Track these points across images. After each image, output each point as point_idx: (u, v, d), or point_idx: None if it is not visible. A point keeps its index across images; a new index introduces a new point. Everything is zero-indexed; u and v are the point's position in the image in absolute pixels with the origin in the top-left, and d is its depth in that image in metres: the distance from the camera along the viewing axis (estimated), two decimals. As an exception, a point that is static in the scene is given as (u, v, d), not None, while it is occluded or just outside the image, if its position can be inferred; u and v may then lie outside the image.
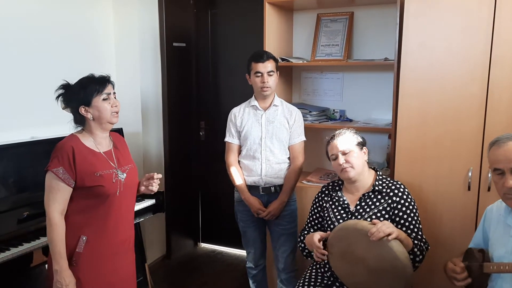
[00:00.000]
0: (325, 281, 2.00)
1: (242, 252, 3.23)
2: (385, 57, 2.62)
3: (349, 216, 1.93)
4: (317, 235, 1.86)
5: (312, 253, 1.94)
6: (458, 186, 2.17)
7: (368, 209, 1.91)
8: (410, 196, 1.92)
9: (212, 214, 3.82)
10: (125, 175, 1.80)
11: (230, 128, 2.48)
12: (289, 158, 2.45)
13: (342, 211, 1.97)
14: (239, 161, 2.49)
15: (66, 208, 1.69)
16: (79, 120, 1.76)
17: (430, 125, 2.19)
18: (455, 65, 2.11)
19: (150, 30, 3.26)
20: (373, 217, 1.87)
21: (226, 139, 2.50)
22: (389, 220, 1.85)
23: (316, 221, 2.09)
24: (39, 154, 2.23)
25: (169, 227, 3.57)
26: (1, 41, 2.39)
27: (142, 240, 3.00)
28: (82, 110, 1.71)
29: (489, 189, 2.10)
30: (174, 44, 3.42)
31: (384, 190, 1.93)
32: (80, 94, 1.71)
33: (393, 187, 1.93)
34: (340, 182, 2.07)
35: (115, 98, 1.78)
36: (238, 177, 2.45)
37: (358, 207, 1.93)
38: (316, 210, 2.10)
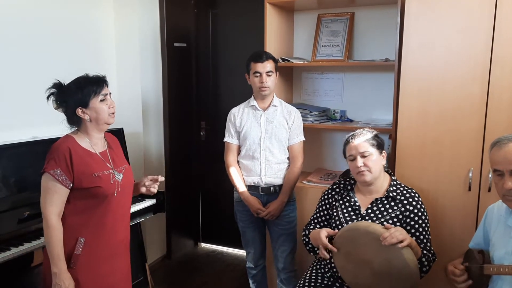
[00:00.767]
0: (325, 282, 2.00)
1: (242, 252, 3.23)
2: (386, 57, 2.62)
3: (359, 218, 1.90)
4: (324, 232, 1.83)
5: (316, 249, 1.92)
6: (458, 187, 2.16)
7: (380, 215, 1.88)
8: (423, 206, 1.89)
9: (212, 214, 3.82)
10: (121, 175, 1.79)
11: (230, 128, 2.48)
12: (288, 158, 2.45)
13: (352, 213, 1.93)
14: (238, 161, 2.49)
15: (63, 210, 1.67)
16: (74, 121, 1.73)
17: (431, 125, 2.18)
18: (455, 65, 2.11)
19: (151, 30, 3.26)
20: (384, 223, 1.82)
21: (225, 139, 2.50)
22: None
23: (323, 218, 2.05)
24: (40, 154, 2.22)
25: (170, 227, 3.58)
26: (1, 41, 2.39)
27: (142, 240, 3.00)
28: (79, 111, 1.69)
29: (489, 190, 2.10)
30: (175, 44, 3.42)
31: (398, 197, 1.89)
32: (77, 95, 1.68)
33: (407, 195, 1.89)
34: (352, 182, 2.02)
35: (111, 98, 1.77)
36: (237, 177, 2.45)
37: (370, 211, 1.90)
38: (324, 207, 2.06)
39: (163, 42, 3.32)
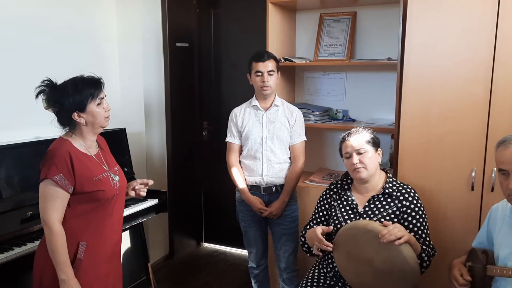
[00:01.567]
0: (327, 282, 1.99)
1: (245, 252, 3.23)
2: (388, 57, 2.62)
3: (357, 217, 1.92)
4: (319, 229, 1.84)
5: (311, 249, 1.92)
6: (461, 186, 2.16)
7: (377, 212, 1.89)
8: (419, 201, 1.90)
9: (214, 214, 3.83)
10: (117, 177, 1.78)
11: (231, 128, 2.48)
12: (290, 158, 2.45)
13: (350, 211, 1.95)
14: (240, 161, 2.49)
15: (64, 215, 1.64)
16: (67, 123, 1.69)
17: (433, 125, 2.18)
18: (458, 65, 2.10)
19: (153, 30, 3.26)
20: (382, 220, 1.84)
21: (227, 139, 2.50)
22: None
23: (322, 218, 2.06)
24: (43, 154, 2.23)
25: (172, 227, 3.58)
26: (4, 41, 2.40)
27: (145, 240, 3.01)
28: (75, 115, 1.65)
29: (492, 189, 2.09)
30: (177, 44, 3.43)
31: (394, 193, 1.91)
32: (74, 98, 1.63)
33: (403, 191, 1.91)
34: (349, 181, 2.04)
35: (105, 100, 1.73)
36: (239, 177, 2.45)
37: (367, 208, 1.92)
38: (322, 208, 2.07)
39: (165, 42, 3.32)
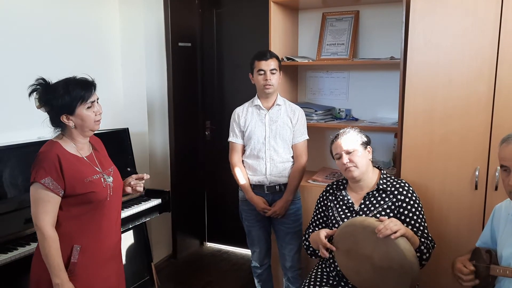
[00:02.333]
0: (331, 281, 2.00)
1: (248, 252, 3.23)
2: (391, 55, 2.61)
3: (354, 215, 1.93)
4: (323, 232, 1.86)
5: (317, 251, 1.93)
6: (465, 185, 2.15)
7: (372, 208, 1.91)
8: (414, 194, 1.91)
9: (217, 214, 3.83)
10: (111, 178, 1.75)
11: (234, 128, 2.48)
12: (292, 157, 2.45)
13: (346, 210, 1.97)
14: (243, 161, 2.49)
15: (56, 218, 1.62)
16: (57, 124, 1.67)
17: (437, 123, 2.17)
18: (461, 63, 2.09)
19: (156, 30, 3.27)
20: (378, 215, 1.86)
21: (230, 139, 2.50)
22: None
23: (321, 220, 2.09)
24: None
25: (175, 226, 3.58)
26: (8, 41, 2.41)
27: (148, 240, 3.01)
28: (63, 118, 1.62)
29: (496, 188, 2.08)
30: (180, 44, 3.43)
31: (389, 188, 1.93)
32: (64, 100, 1.60)
33: (397, 186, 1.93)
34: (344, 181, 2.07)
35: (98, 103, 1.69)
36: (242, 177, 2.45)
37: (363, 205, 1.93)
38: (320, 210, 2.10)
39: (168, 42, 3.33)
